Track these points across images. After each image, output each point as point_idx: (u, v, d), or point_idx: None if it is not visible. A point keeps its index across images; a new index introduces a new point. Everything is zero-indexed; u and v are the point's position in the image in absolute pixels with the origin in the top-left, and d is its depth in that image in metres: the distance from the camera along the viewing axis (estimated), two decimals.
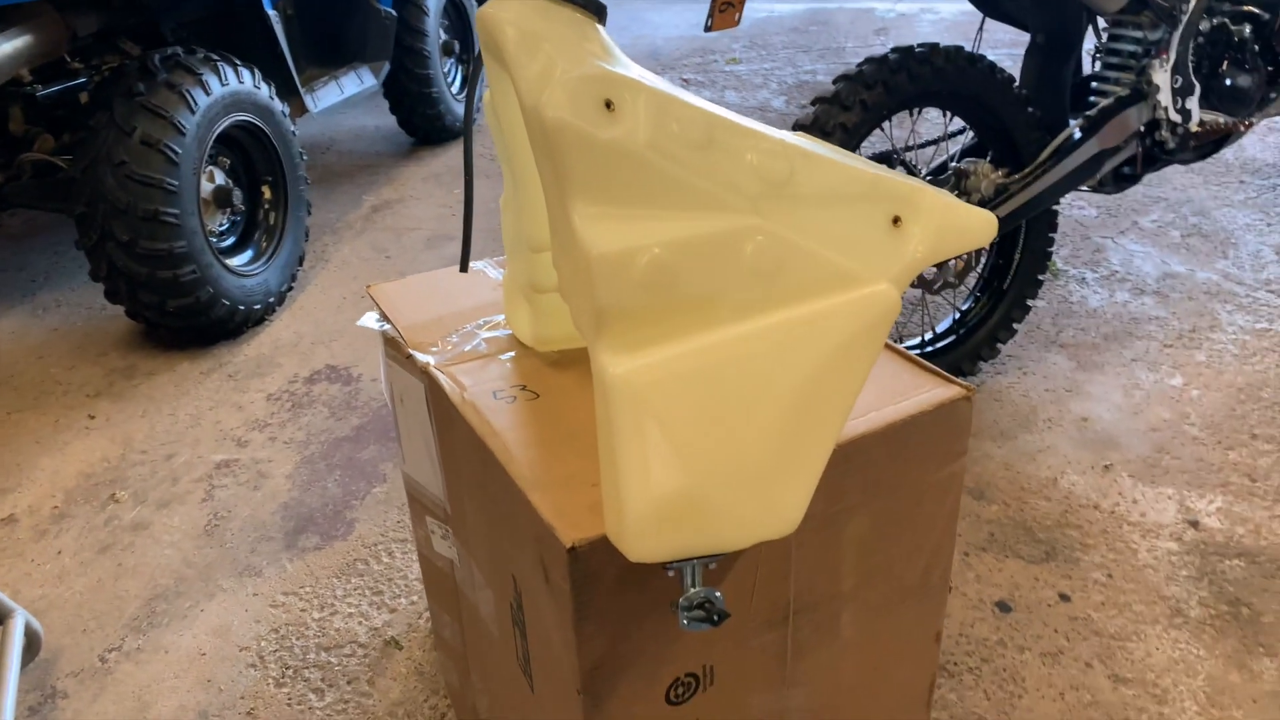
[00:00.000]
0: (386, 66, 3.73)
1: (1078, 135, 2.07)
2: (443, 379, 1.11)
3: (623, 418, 0.78)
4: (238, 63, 2.72)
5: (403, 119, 4.17)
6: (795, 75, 5.08)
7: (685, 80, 5.07)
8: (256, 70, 2.79)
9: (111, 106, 2.43)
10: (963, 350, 2.25)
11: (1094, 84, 2.22)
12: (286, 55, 3.07)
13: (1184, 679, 1.55)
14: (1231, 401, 2.24)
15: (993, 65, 2.01)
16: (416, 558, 1.86)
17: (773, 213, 0.82)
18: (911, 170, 2.13)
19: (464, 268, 1.16)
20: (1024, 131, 2.07)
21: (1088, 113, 2.10)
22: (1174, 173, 3.50)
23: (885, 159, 2.11)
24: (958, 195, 2.04)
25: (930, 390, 1.05)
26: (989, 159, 2.10)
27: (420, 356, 1.16)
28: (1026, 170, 2.05)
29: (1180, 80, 2.08)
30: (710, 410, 0.79)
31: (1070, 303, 2.70)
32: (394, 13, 3.69)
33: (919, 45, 1.94)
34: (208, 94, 2.55)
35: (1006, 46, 5.01)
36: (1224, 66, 2.15)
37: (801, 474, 0.83)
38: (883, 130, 2.07)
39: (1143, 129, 2.13)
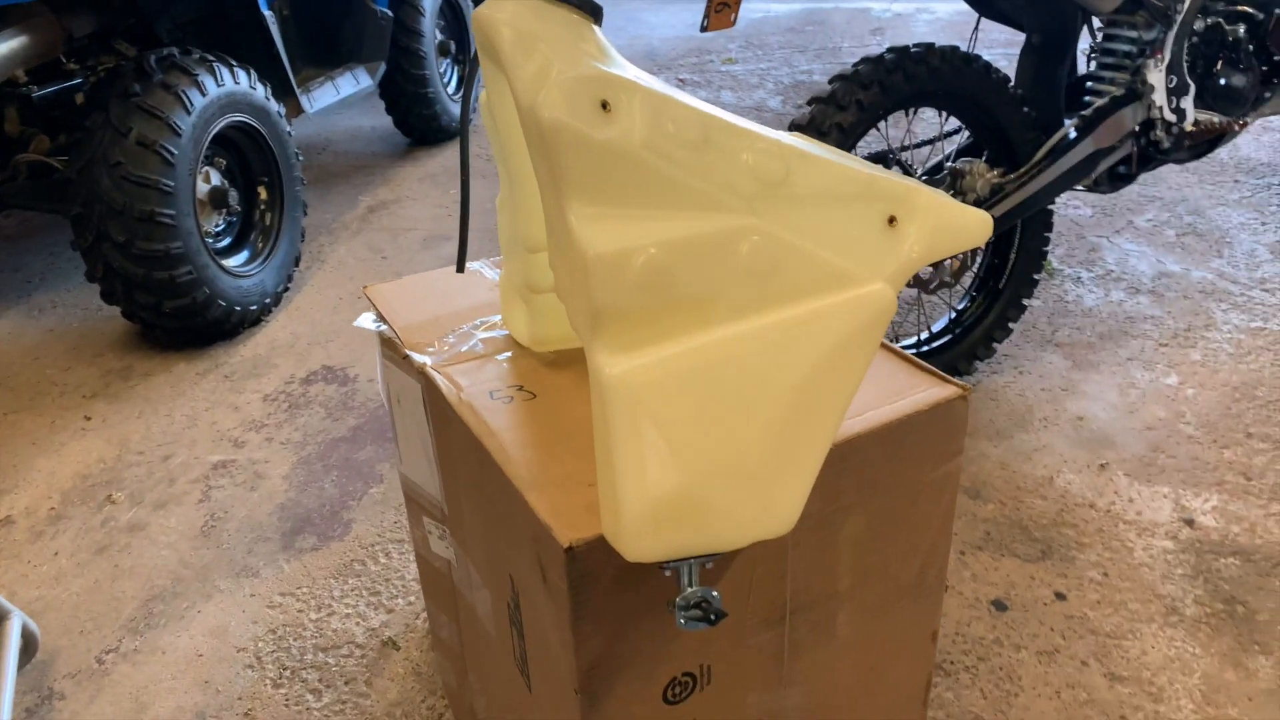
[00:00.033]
0: (382, 67, 3.73)
1: (1073, 135, 2.08)
2: (439, 379, 1.11)
3: (619, 418, 0.78)
4: (233, 63, 2.72)
5: (399, 119, 4.17)
6: (791, 75, 5.09)
7: (681, 80, 5.07)
8: (252, 71, 2.79)
9: (107, 107, 2.43)
10: (959, 350, 2.25)
11: (1089, 84, 2.23)
12: (282, 56, 3.07)
13: (1180, 677, 1.55)
14: (1227, 400, 2.24)
15: (988, 65, 2.01)
16: (414, 558, 1.86)
17: (768, 213, 0.82)
18: (907, 170, 2.13)
19: (460, 268, 1.16)
20: (1019, 131, 2.07)
21: (1083, 112, 2.11)
22: (1169, 172, 3.51)
23: (881, 159, 2.11)
24: (953, 195, 2.04)
25: (926, 390, 1.06)
26: (984, 159, 2.11)
27: (417, 357, 1.16)
28: (1022, 170, 2.06)
29: (1175, 80, 2.08)
30: (706, 410, 0.79)
31: (1066, 302, 2.71)
32: (390, 13, 3.68)
33: (914, 45, 1.94)
34: (203, 95, 2.55)
35: (1002, 46, 5.02)
36: (1218, 66, 2.16)
37: (798, 473, 0.83)
38: (879, 130, 2.07)
39: (1138, 129, 2.13)
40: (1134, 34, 2.12)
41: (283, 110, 2.91)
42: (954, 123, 2.17)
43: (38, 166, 2.70)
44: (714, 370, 0.80)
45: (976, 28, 2.37)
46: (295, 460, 2.19)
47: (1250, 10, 2.16)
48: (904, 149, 2.17)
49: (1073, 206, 3.30)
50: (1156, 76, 2.07)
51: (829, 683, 1.13)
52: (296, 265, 2.98)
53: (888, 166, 2.09)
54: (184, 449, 2.25)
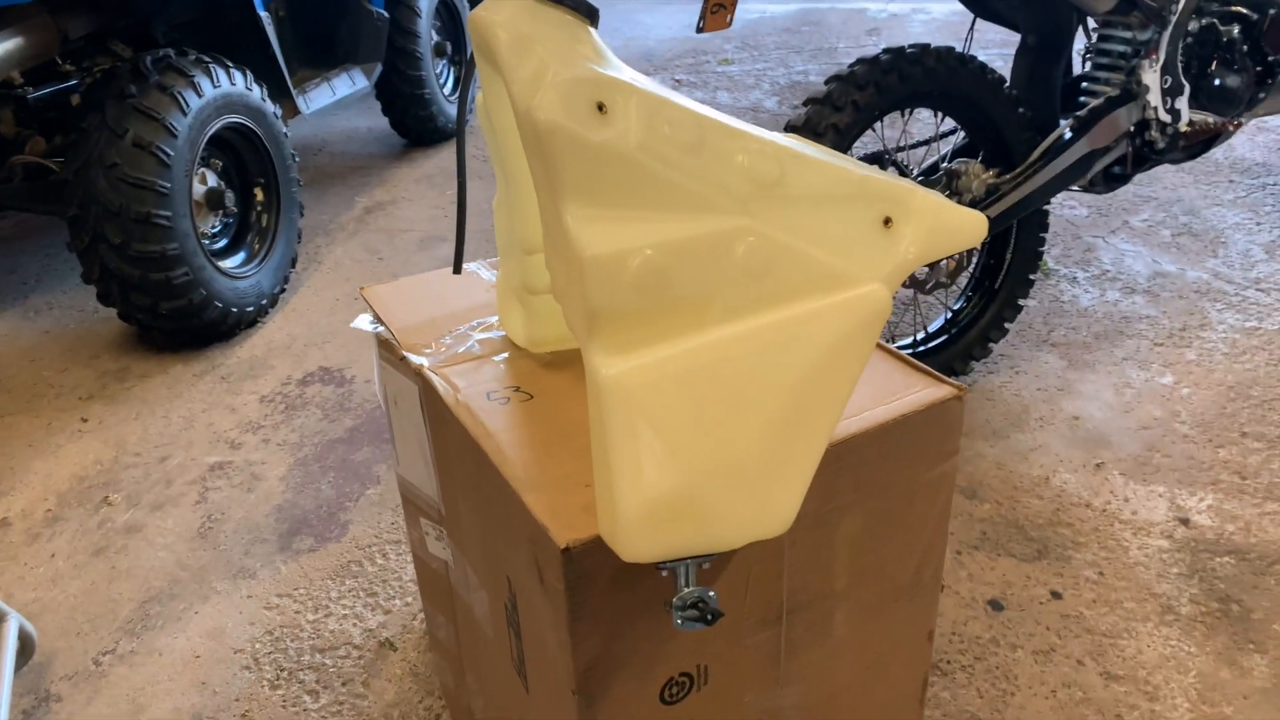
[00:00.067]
0: (379, 68, 3.73)
1: (1068, 135, 2.08)
2: (436, 381, 1.11)
3: (616, 419, 0.78)
4: (229, 64, 2.72)
5: (395, 120, 4.17)
6: (787, 76, 5.09)
7: (678, 81, 5.08)
8: (248, 72, 2.79)
9: (103, 108, 2.43)
10: (955, 350, 2.26)
11: (1084, 84, 2.23)
12: (278, 57, 3.07)
13: (1175, 676, 1.56)
14: (1222, 400, 2.25)
15: (984, 66, 2.02)
16: (411, 559, 1.86)
17: (764, 214, 0.82)
18: (903, 171, 2.13)
19: (457, 269, 1.16)
20: (1015, 132, 2.08)
21: (1078, 113, 2.11)
22: (1164, 172, 3.51)
23: (877, 159, 2.11)
24: (949, 195, 2.05)
25: (922, 390, 1.06)
26: (980, 159, 2.11)
27: (414, 358, 1.16)
28: (1017, 170, 2.06)
29: (1170, 80, 2.09)
30: (703, 411, 0.80)
31: (1061, 302, 2.72)
32: (386, 14, 3.68)
33: (910, 46, 1.95)
34: (200, 96, 2.55)
35: (998, 47, 5.03)
36: (1213, 67, 2.16)
37: (794, 474, 0.84)
38: (874, 131, 2.07)
39: (1132, 129, 2.14)
40: (1129, 34, 2.12)
41: (279, 111, 2.91)
42: (949, 123, 2.17)
43: (33, 168, 2.70)
44: (710, 371, 0.80)
45: (972, 28, 2.37)
46: (292, 461, 2.19)
47: (1244, 11, 2.17)
48: (900, 149, 2.18)
49: (1068, 207, 3.31)
50: (1151, 77, 2.08)
51: (826, 682, 1.13)
52: (293, 266, 2.98)
53: (883, 167, 2.09)
54: (181, 450, 2.25)
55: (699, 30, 2.06)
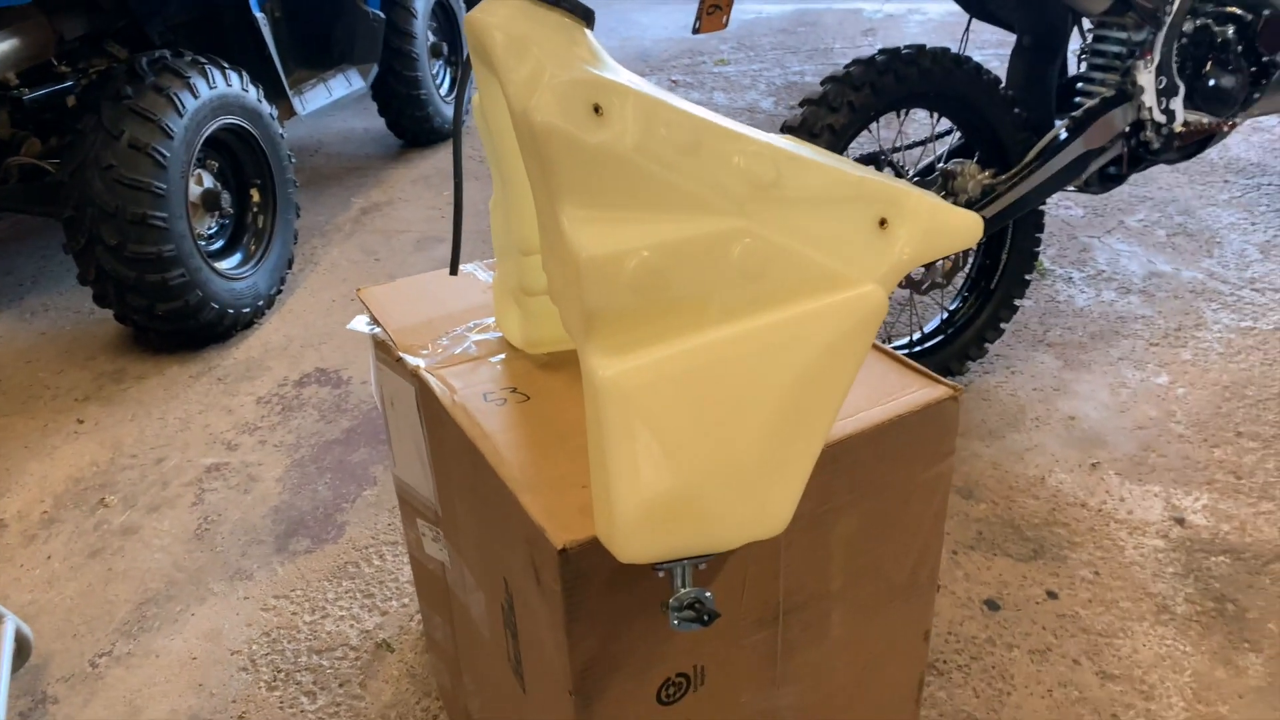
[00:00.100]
0: (375, 69, 3.73)
1: (1064, 136, 2.09)
2: (433, 382, 1.11)
3: (612, 419, 0.78)
4: (225, 66, 2.71)
5: (391, 121, 4.17)
6: (783, 76, 5.10)
7: (674, 82, 5.08)
8: (244, 73, 2.79)
9: (99, 110, 2.42)
10: (951, 350, 2.26)
11: (1079, 85, 2.24)
12: (274, 58, 3.07)
13: (1170, 675, 1.56)
14: (1217, 399, 2.26)
15: (979, 66, 2.02)
16: (408, 560, 1.86)
17: (760, 215, 0.82)
18: (899, 171, 2.14)
19: (454, 270, 1.16)
20: (1010, 132, 2.08)
21: (1073, 113, 2.12)
22: (1159, 172, 3.52)
23: (873, 160, 2.12)
24: (945, 196, 2.05)
25: (917, 390, 1.06)
26: (976, 160, 2.11)
27: (410, 359, 1.16)
28: (1013, 171, 2.06)
29: (1164, 81, 2.10)
30: (699, 412, 0.80)
31: (1057, 302, 2.72)
32: (382, 15, 3.68)
33: (906, 47, 1.95)
34: (195, 97, 2.55)
35: (993, 47, 5.04)
36: (1208, 67, 2.17)
37: (790, 474, 0.84)
38: (870, 131, 2.08)
39: (1128, 129, 2.14)
40: (1124, 35, 2.13)
41: (275, 112, 2.91)
42: (945, 124, 2.17)
43: (29, 169, 2.69)
44: (707, 372, 0.80)
45: (968, 29, 2.37)
46: (289, 463, 2.19)
47: (1239, 11, 2.17)
48: (895, 150, 2.18)
49: (1064, 207, 3.31)
50: (1146, 78, 2.08)
51: (822, 682, 1.14)
52: (289, 268, 2.98)
53: (879, 168, 2.10)
54: (177, 452, 2.25)
55: (695, 31, 2.07)
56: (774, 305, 0.82)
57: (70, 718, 1.58)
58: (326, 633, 1.72)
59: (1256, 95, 2.26)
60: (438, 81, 4.24)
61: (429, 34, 4.12)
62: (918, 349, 2.25)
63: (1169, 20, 2.05)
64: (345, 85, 3.55)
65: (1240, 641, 1.61)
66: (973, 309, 2.27)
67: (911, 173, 2.17)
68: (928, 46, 1.96)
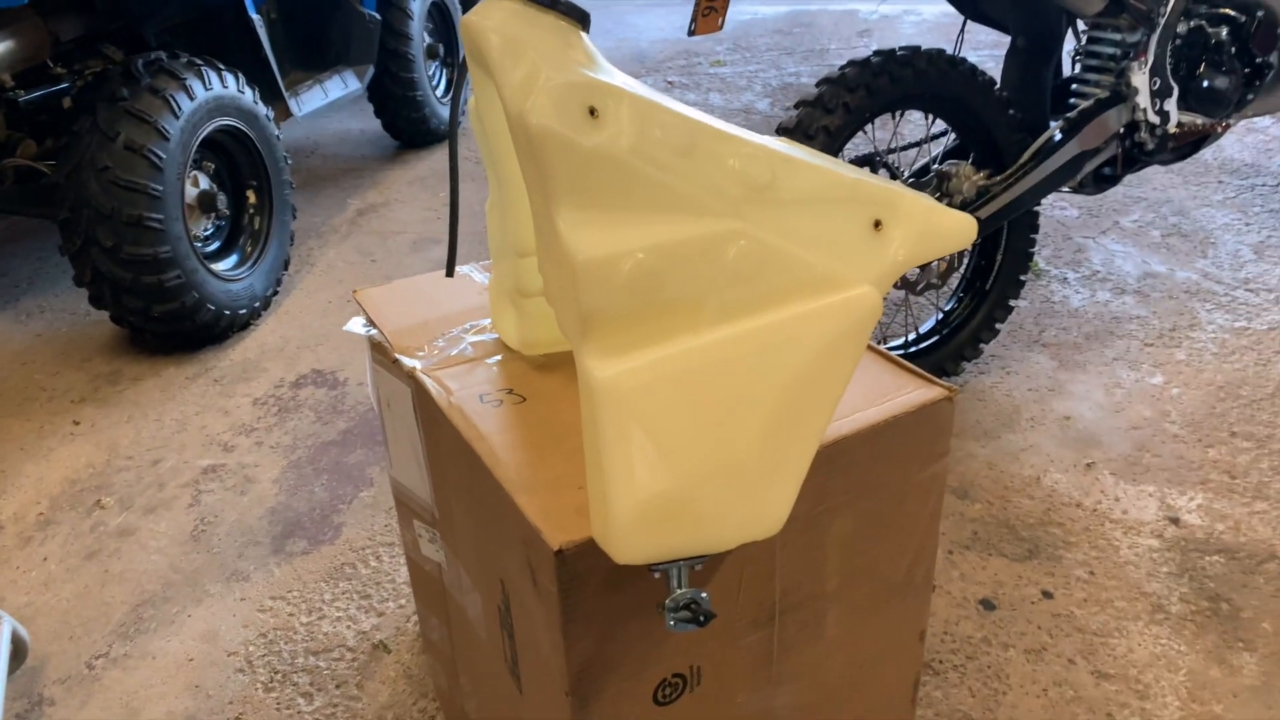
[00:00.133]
0: (371, 70, 3.73)
1: (1058, 137, 2.09)
2: (429, 383, 1.11)
3: (608, 421, 0.79)
4: (221, 67, 2.71)
5: (387, 122, 4.17)
6: (779, 77, 5.10)
7: (670, 83, 5.08)
8: (240, 74, 2.79)
9: (95, 111, 2.42)
10: (946, 350, 2.27)
11: (1074, 86, 2.24)
12: (270, 59, 3.07)
13: (1165, 674, 1.57)
14: (1211, 400, 2.26)
15: (974, 68, 2.03)
16: (404, 561, 1.86)
17: (755, 217, 0.83)
18: (894, 173, 2.14)
19: (450, 272, 1.17)
20: (1005, 133, 2.09)
21: (1068, 114, 2.12)
22: (1154, 173, 3.53)
23: (868, 161, 2.12)
24: (940, 197, 2.06)
25: (912, 391, 1.07)
26: (971, 161, 2.12)
27: (407, 361, 1.16)
28: (1008, 172, 2.07)
29: (1158, 82, 2.10)
30: (695, 413, 0.80)
31: (1052, 302, 2.73)
32: (378, 16, 3.68)
33: (901, 48, 1.96)
34: (191, 98, 2.55)
35: (988, 48, 5.05)
36: (1201, 68, 2.18)
37: (786, 475, 0.84)
38: (865, 133, 2.08)
39: (1122, 130, 2.15)
40: (1118, 37, 2.14)
41: (271, 114, 2.91)
42: (940, 125, 2.18)
43: (25, 171, 2.69)
44: (702, 373, 0.81)
45: (962, 30, 2.38)
46: (285, 464, 2.19)
47: (1232, 13, 2.18)
48: (890, 151, 2.19)
49: (1059, 208, 3.32)
50: (1140, 79, 2.09)
51: (818, 682, 1.14)
52: (285, 269, 2.98)
53: (875, 169, 2.10)
54: (173, 453, 2.25)
55: (690, 33, 2.07)
56: (769, 307, 0.83)
57: None
58: (323, 634, 1.72)
59: (1250, 96, 2.27)
60: (434, 83, 4.24)
61: (425, 35, 4.12)
62: (913, 349, 2.26)
63: (1163, 22, 2.06)
64: (341, 87, 3.55)
65: (1235, 641, 1.62)
66: (968, 309, 2.28)
67: (907, 174, 2.18)
68: (923, 48, 1.97)
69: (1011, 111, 2.08)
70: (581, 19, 0.85)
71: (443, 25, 4.35)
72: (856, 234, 0.85)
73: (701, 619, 0.84)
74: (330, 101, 3.47)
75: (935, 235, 0.88)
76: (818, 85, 1.94)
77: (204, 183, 2.70)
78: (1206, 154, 3.66)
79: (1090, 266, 2.92)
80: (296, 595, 1.81)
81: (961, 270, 2.28)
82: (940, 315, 2.31)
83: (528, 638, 1.00)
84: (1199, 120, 2.21)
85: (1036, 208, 2.18)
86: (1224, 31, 2.17)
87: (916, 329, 2.31)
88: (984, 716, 1.50)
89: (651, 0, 7.20)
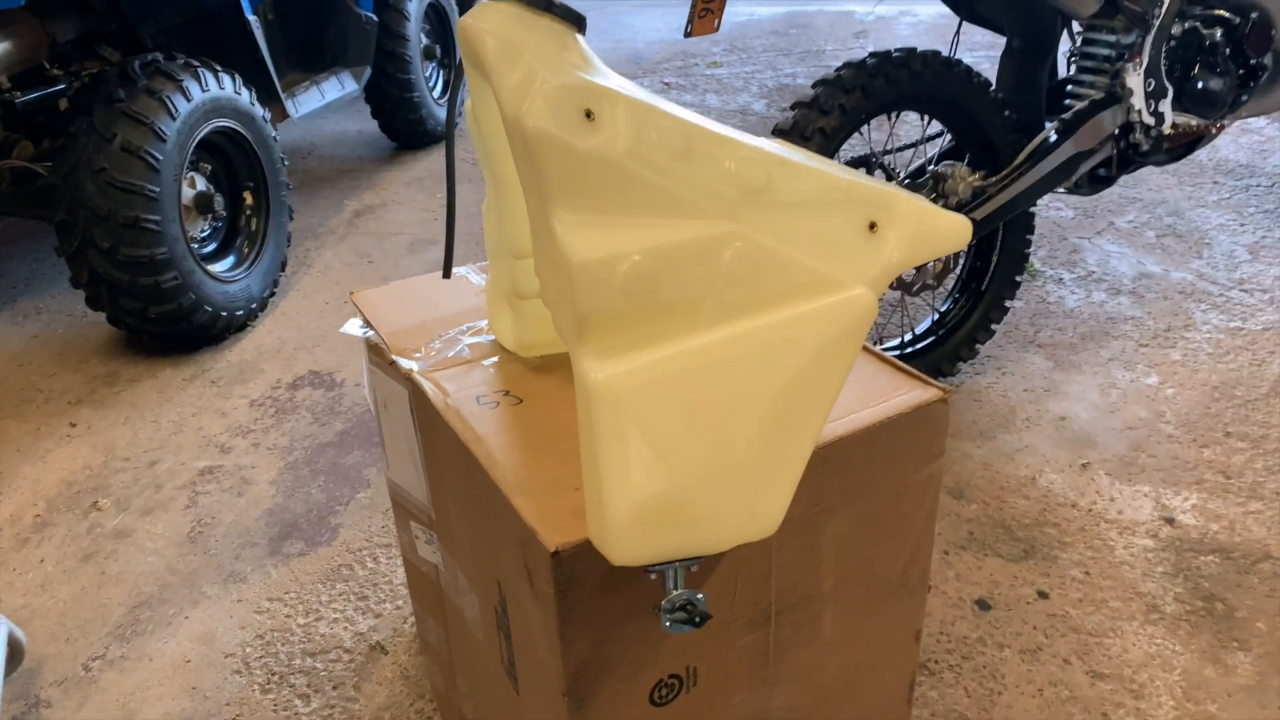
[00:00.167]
0: (368, 71, 3.73)
1: (1054, 138, 2.10)
2: (426, 385, 1.12)
3: (604, 422, 0.79)
4: (218, 68, 2.71)
5: (384, 123, 4.16)
6: (776, 78, 5.11)
7: (666, 84, 5.09)
8: (237, 75, 2.79)
9: (91, 113, 2.42)
10: (942, 351, 2.27)
11: (1069, 87, 2.25)
12: (267, 60, 3.07)
13: (1160, 674, 1.57)
14: (1206, 400, 2.27)
15: (970, 69, 2.03)
16: (401, 563, 1.86)
17: (751, 219, 0.83)
18: (890, 174, 2.15)
19: (447, 273, 1.17)
20: (1001, 134, 2.09)
21: (1063, 116, 2.13)
22: (1149, 174, 3.54)
23: (864, 163, 2.12)
24: (936, 198, 2.06)
25: (908, 392, 1.07)
26: (966, 162, 2.12)
27: (404, 362, 1.16)
28: (1004, 173, 2.07)
29: (1153, 84, 2.11)
30: (691, 414, 0.80)
31: (1048, 303, 2.73)
32: (375, 17, 3.68)
33: (897, 50, 1.96)
34: (188, 100, 2.55)
35: (984, 49, 5.05)
36: (1196, 70, 2.18)
37: (782, 476, 0.85)
38: (861, 134, 2.09)
39: (1117, 132, 2.16)
40: (1113, 38, 2.14)
41: (268, 115, 2.90)
42: (936, 126, 2.18)
43: (21, 172, 2.69)
44: (698, 375, 0.81)
45: (958, 31, 2.39)
46: (282, 465, 2.19)
47: (1227, 14, 2.19)
48: (886, 153, 2.19)
49: (1054, 208, 3.33)
50: (1135, 80, 2.10)
51: (814, 683, 1.14)
52: (282, 270, 2.98)
53: (870, 171, 2.11)
54: (170, 455, 2.25)
55: (687, 34, 2.07)
56: (765, 309, 0.83)
57: None
58: (320, 635, 1.72)
59: (1244, 97, 2.28)
60: (430, 84, 4.24)
61: (421, 36, 4.12)
62: (909, 350, 2.26)
63: (1157, 23, 2.07)
64: (338, 88, 3.55)
65: (1229, 640, 1.63)
66: (964, 310, 2.28)
67: (902, 175, 2.18)
68: (918, 49, 1.97)
69: (1007, 113, 2.09)
70: (577, 21, 0.85)
71: (439, 26, 4.36)
72: (852, 236, 0.86)
73: (697, 620, 0.85)
74: (327, 103, 3.47)
75: (930, 237, 0.88)
76: (814, 87, 1.94)
77: (201, 184, 2.70)
78: (1201, 155, 3.67)
79: (1086, 267, 2.93)
80: (293, 597, 1.81)
81: (957, 271, 2.29)
82: (936, 316, 2.32)
83: (524, 639, 1.01)
84: (1194, 121, 2.21)
85: (1032, 209, 2.19)
86: (1219, 33, 2.17)
87: (912, 330, 2.32)
88: (979, 716, 1.51)
89: (648, 1, 7.21)
